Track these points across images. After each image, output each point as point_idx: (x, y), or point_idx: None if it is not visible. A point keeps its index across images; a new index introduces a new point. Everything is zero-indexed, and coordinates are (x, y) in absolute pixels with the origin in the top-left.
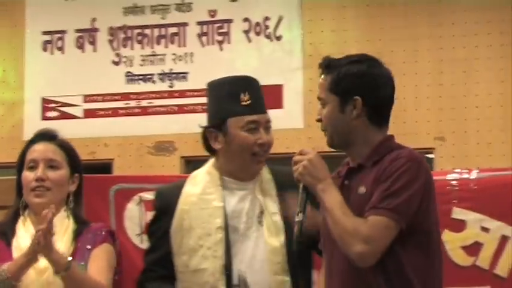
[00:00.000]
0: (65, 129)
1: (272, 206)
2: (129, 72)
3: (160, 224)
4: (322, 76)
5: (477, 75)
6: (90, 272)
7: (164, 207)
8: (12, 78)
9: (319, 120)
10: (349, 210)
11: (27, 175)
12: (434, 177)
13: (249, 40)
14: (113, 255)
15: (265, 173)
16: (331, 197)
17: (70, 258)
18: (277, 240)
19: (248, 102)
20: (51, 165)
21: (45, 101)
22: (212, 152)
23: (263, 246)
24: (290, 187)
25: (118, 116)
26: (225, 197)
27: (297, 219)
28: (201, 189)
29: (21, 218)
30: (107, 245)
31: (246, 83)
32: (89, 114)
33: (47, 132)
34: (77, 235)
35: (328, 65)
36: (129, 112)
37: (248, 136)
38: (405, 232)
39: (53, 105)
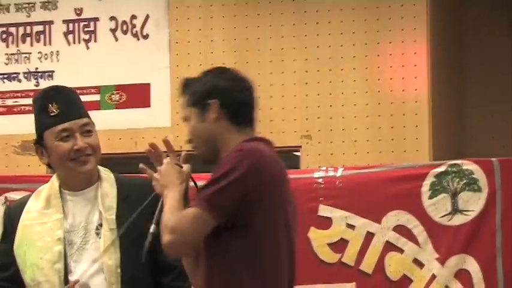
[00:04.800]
0: None
1: (110, 221)
2: None
3: (7, 241)
4: (182, 97)
5: (342, 73)
6: None
7: (9, 225)
8: None
9: (189, 141)
10: (181, 208)
11: None
12: (301, 175)
13: (116, 39)
14: None
15: (108, 185)
16: (169, 199)
17: None
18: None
19: (57, 111)
20: None
21: None
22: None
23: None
24: (136, 199)
25: None
26: (65, 210)
27: (150, 230)
28: (43, 203)
29: None
30: None
31: (53, 94)
32: None
33: None
34: None
35: (185, 84)
36: None
37: (62, 145)
38: (229, 224)
39: None
